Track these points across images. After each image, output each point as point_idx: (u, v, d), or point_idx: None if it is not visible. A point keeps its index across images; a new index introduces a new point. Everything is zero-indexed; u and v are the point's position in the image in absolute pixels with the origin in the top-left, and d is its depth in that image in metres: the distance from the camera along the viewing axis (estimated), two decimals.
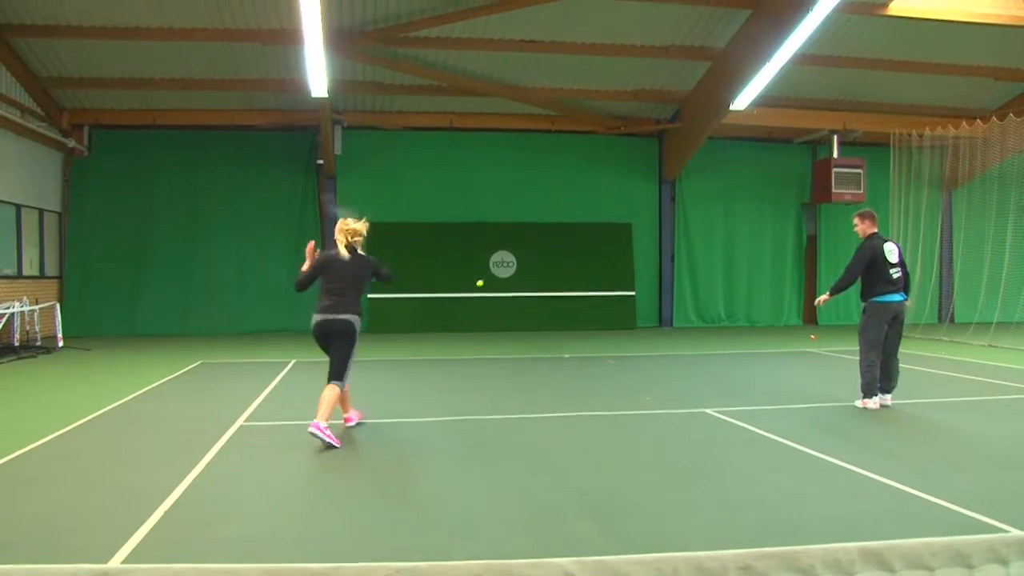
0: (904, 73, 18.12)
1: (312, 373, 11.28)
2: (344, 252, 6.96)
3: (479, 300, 19.18)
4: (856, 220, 8.64)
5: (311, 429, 6.49)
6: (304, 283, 7.12)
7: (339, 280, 6.94)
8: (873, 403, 8.26)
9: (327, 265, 7.01)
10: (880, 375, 8.33)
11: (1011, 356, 13.32)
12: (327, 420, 6.58)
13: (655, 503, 5.08)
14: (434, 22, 15.29)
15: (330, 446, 6.49)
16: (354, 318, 6.92)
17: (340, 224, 7.04)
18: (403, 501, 5.22)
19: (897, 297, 8.27)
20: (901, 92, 19.10)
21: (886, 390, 8.42)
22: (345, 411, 7.39)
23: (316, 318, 6.91)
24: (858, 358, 8.43)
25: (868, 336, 8.30)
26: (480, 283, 10.20)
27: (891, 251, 8.36)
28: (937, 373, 11.31)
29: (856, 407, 8.32)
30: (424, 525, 4.68)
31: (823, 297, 8.84)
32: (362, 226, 7.10)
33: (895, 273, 8.27)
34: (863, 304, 8.43)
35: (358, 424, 7.43)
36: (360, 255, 7.10)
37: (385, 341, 16.14)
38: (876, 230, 8.51)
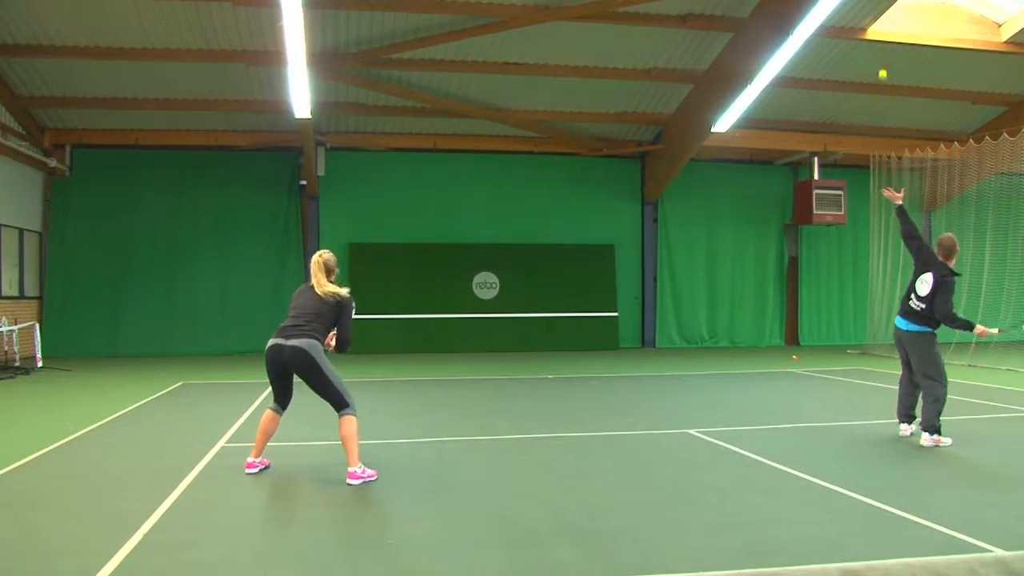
0: (883, 96, 18.36)
1: (294, 394, 11.20)
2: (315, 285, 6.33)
3: (462, 321, 19.20)
4: (946, 251, 8.22)
5: (350, 481, 6.00)
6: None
7: (301, 307, 6.30)
8: (946, 440, 7.51)
9: (297, 294, 6.49)
10: (910, 402, 7.97)
11: (990, 375, 13.42)
12: (357, 460, 6.13)
13: (637, 525, 5.06)
14: (417, 44, 15.36)
15: (368, 481, 6.09)
16: (307, 343, 6.08)
17: (316, 257, 6.41)
18: (384, 524, 5.19)
19: (897, 323, 7.98)
20: (881, 115, 19.33)
21: (913, 417, 7.98)
22: (256, 453, 6.54)
23: (268, 342, 6.27)
24: (922, 390, 7.81)
25: (936, 363, 7.71)
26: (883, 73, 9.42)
27: (922, 280, 7.99)
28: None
29: (901, 436, 7.95)
30: (404, 549, 4.65)
31: (992, 331, 8.31)
32: (335, 289, 6.31)
33: (913, 303, 7.88)
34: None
35: (261, 470, 6.51)
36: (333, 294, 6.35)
37: (367, 362, 16.08)
38: (944, 259, 8.12)
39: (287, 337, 6.15)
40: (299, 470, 6.52)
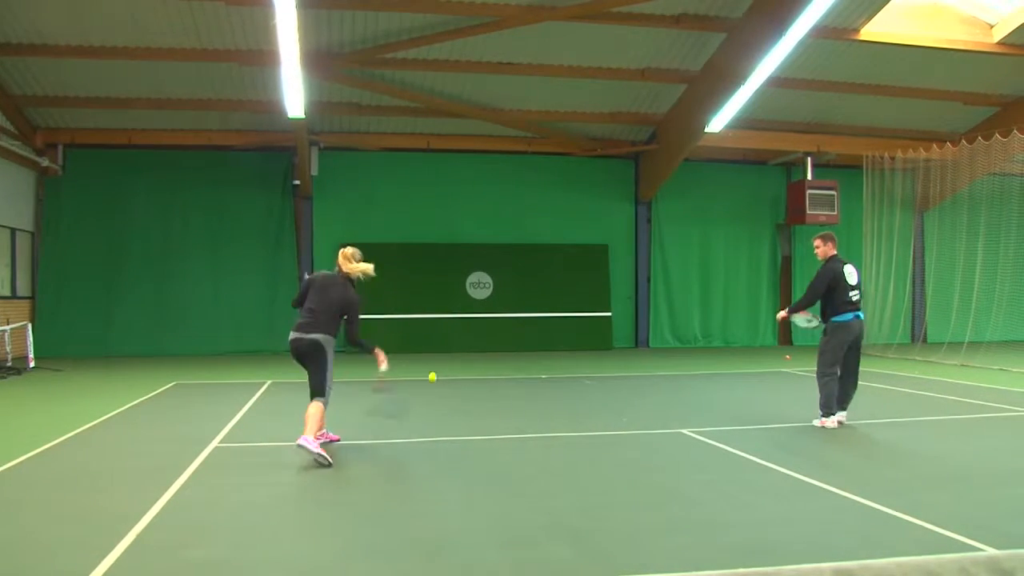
0: (876, 97, 18.41)
1: (288, 394, 11.21)
2: (337, 275, 7.21)
3: (455, 321, 19.20)
4: (817, 242, 8.77)
5: (300, 442, 6.55)
6: (298, 300, 7.31)
7: (318, 301, 7.05)
8: (831, 422, 8.37)
9: (312, 281, 7.24)
10: (839, 393, 8.46)
11: (983, 375, 13.46)
12: (315, 435, 6.72)
13: (631, 524, 5.07)
14: (411, 44, 15.34)
15: (321, 462, 6.53)
16: (323, 337, 6.95)
17: (343, 251, 7.28)
18: (378, 524, 5.18)
19: (859, 316, 8.47)
20: (874, 115, 19.38)
21: (843, 407, 8.54)
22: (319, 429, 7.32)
23: (290, 335, 7.07)
24: (816, 377, 8.59)
25: (827, 356, 8.43)
26: (432, 377, 10.59)
27: (851, 273, 8.51)
28: (910, 392, 11.40)
29: (814, 426, 8.43)
30: (399, 549, 4.65)
31: (782, 314, 9.08)
32: (363, 267, 7.30)
33: (855, 296, 8.44)
34: (823, 325, 8.58)
35: (328, 442, 7.40)
36: (349, 287, 7.20)
37: (361, 362, 16.03)
38: (836, 252, 8.68)
39: (305, 332, 6.97)
40: (293, 470, 6.51)
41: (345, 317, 7.12)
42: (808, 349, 19.83)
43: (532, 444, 7.84)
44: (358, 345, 7.26)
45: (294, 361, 7.17)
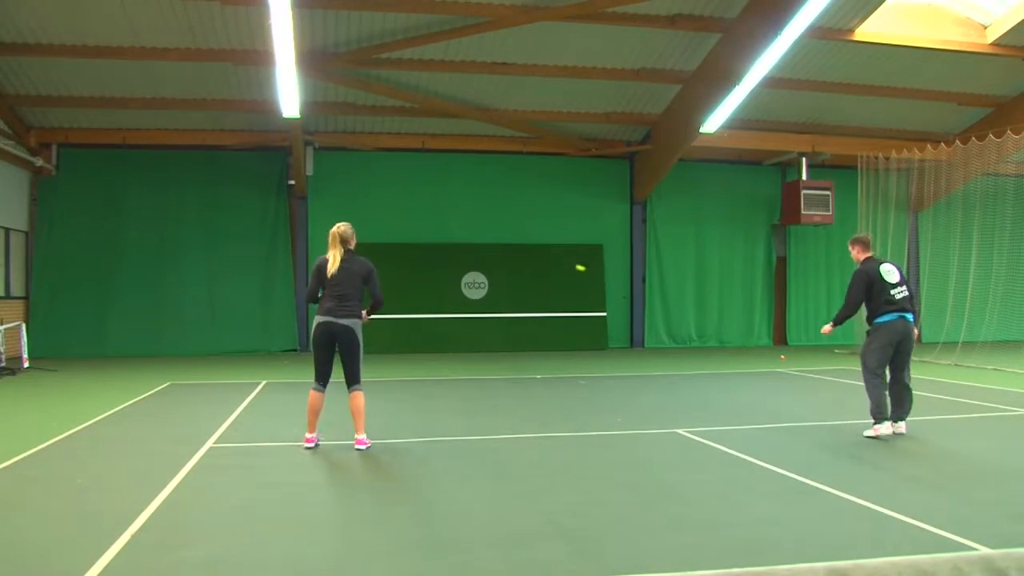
0: (871, 97, 18.45)
1: (283, 394, 11.20)
2: (336, 254, 7.25)
3: (450, 321, 19.18)
4: (849, 247, 8.42)
5: (359, 447, 7.13)
6: (311, 294, 7.48)
7: (338, 283, 7.18)
8: (885, 429, 7.74)
9: (321, 268, 7.29)
10: (891, 401, 7.88)
11: (977, 375, 13.50)
12: (363, 429, 7.23)
13: (627, 524, 5.08)
14: (406, 44, 15.34)
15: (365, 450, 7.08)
16: (355, 322, 7.19)
17: (333, 230, 7.31)
18: (374, 524, 5.18)
19: (904, 317, 7.89)
20: (868, 116, 19.43)
21: (897, 417, 7.91)
22: (312, 428, 7.36)
23: (317, 319, 7.17)
24: (863, 384, 8.03)
25: (869, 360, 7.92)
26: (581, 267, 10.00)
27: (889, 271, 8.03)
28: None
29: (866, 436, 7.83)
30: (396, 549, 4.65)
31: (827, 328, 8.46)
32: (347, 228, 7.39)
33: (898, 293, 7.92)
34: (868, 328, 8.04)
35: (316, 445, 7.36)
36: (356, 258, 7.38)
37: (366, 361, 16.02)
38: (871, 254, 8.27)
39: (337, 316, 7.12)
40: (288, 470, 6.51)
41: (367, 287, 7.34)
42: (803, 349, 19.89)
43: (527, 444, 7.84)
44: (377, 309, 7.52)
45: (316, 348, 7.24)
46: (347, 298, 7.18)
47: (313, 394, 7.30)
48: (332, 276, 7.20)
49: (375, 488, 6.06)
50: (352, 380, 7.22)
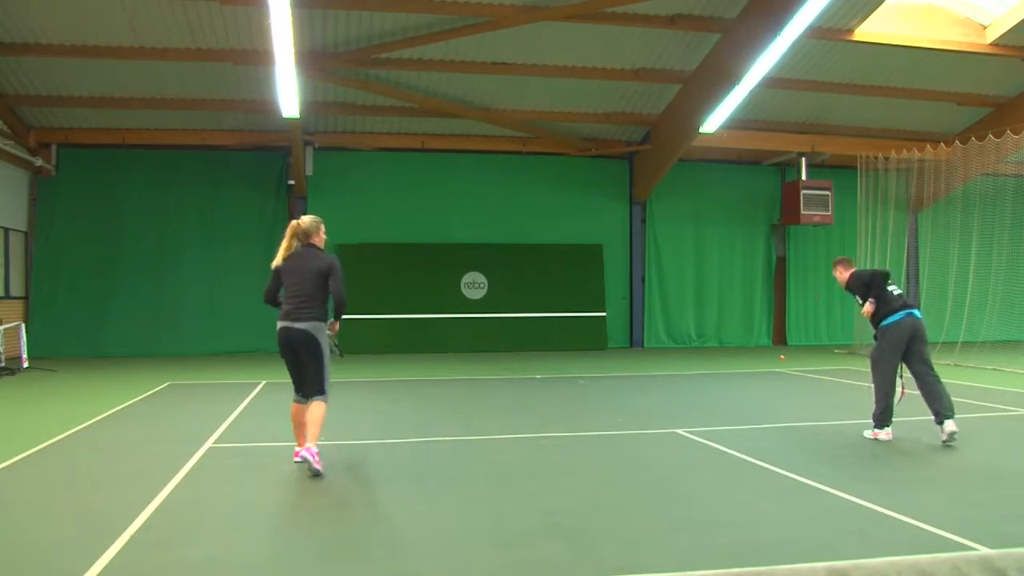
0: (870, 97, 18.47)
1: (282, 394, 11.18)
2: (287, 245, 6.63)
3: (450, 321, 19.20)
4: (835, 270, 8.54)
5: (303, 454, 6.21)
6: (269, 294, 6.74)
7: (295, 283, 6.49)
8: (884, 434, 7.66)
9: (279, 269, 6.61)
10: (927, 402, 7.59)
11: (977, 375, 13.50)
12: (316, 442, 6.30)
13: (626, 525, 5.07)
14: (406, 44, 15.34)
15: (316, 473, 6.19)
16: (315, 325, 6.43)
17: (291, 224, 6.73)
18: (373, 525, 5.18)
19: (912, 314, 7.71)
20: (868, 116, 19.43)
21: (939, 417, 7.43)
22: (300, 442, 6.58)
23: (278, 325, 6.52)
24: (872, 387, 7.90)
25: (881, 365, 7.74)
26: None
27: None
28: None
29: (865, 437, 7.80)
30: (394, 550, 4.65)
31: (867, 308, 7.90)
32: (310, 221, 6.71)
33: (895, 291, 7.89)
34: (875, 332, 7.87)
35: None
36: (317, 253, 6.64)
37: (356, 362, 16.05)
38: (854, 268, 8.39)
39: (294, 320, 6.44)
40: (286, 470, 6.50)
41: (329, 284, 6.51)
42: (802, 349, 19.89)
43: (527, 444, 7.84)
44: (341, 312, 6.68)
45: (282, 356, 6.61)
46: (305, 298, 6.44)
47: (294, 407, 6.68)
48: (280, 269, 6.56)
49: (373, 488, 6.06)
50: (315, 390, 6.45)
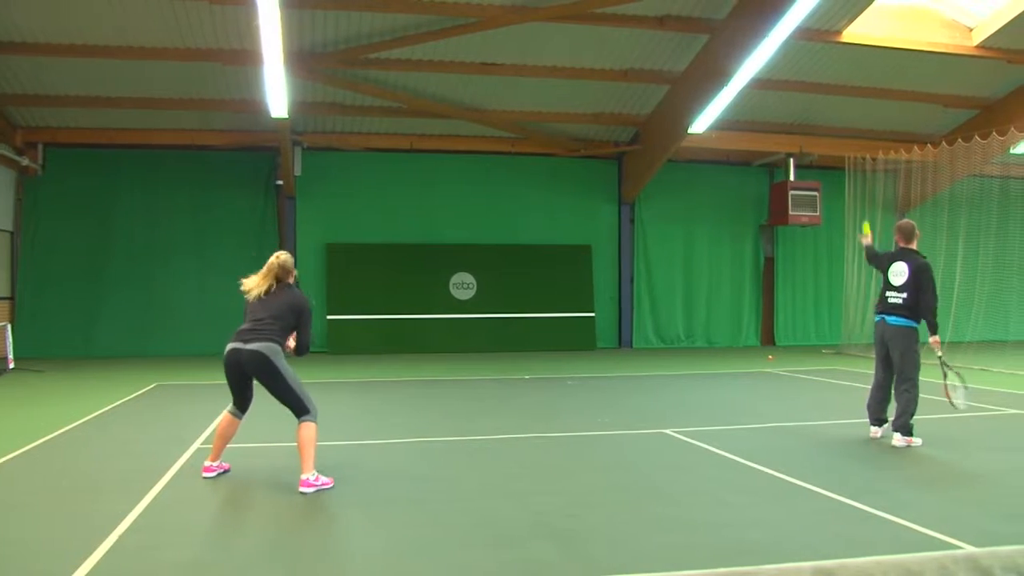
0: (858, 98, 18.53)
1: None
2: (263, 283, 6.22)
3: (438, 322, 19.19)
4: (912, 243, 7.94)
5: (302, 489, 5.78)
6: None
7: (264, 308, 6.09)
8: (916, 441, 7.52)
9: (252, 305, 6.21)
10: (870, 401, 7.90)
11: (963, 375, 13.53)
12: (312, 467, 5.89)
13: (615, 524, 5.08)
14: (395, 44, 15.32)
15: (323, 489, 5.89)
16: (265, 346, 5.89)
17: (272, 259, 6.33)
18: (362, 525, 5.17)
19: (886, 318, 7.67)
20: (855, 117, 19.51)
21: (872, 419, 7.86)
22: (215, 456, 6.35)
23: (227, 346, 6.07)
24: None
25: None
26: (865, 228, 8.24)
27: (894, 272, 7.77)
28: None
29: (895, 446, 7.55)
30: (384, 550, 4.64)
31: (934, 339, 7.88)
32: (287, 259, 6.36)
33: (891, 296, 7.66)
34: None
35: (219, 474, 6.35)
36: (294, 290, 6.29)
37: (344, 362, 16.04)
38: (905, 244, 7.84)
39: (245, 341, 5.95)
40: (275, 471, 6.49)
41: (299, 324, 6.16)
42: (790, 350, 19.96)
43: (515, 444, 7.84)
44: (303, 353, 6.32)
45: (227, 375, 6.15)
46: (263, 321, 5.99)
47: (224, 416, 6.34)
48: (251, 304, 6.15)
49: (362, 489, 6.05)
50: (296, 411, 5.98)
